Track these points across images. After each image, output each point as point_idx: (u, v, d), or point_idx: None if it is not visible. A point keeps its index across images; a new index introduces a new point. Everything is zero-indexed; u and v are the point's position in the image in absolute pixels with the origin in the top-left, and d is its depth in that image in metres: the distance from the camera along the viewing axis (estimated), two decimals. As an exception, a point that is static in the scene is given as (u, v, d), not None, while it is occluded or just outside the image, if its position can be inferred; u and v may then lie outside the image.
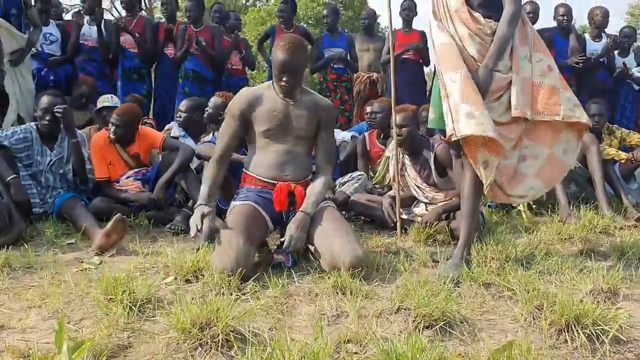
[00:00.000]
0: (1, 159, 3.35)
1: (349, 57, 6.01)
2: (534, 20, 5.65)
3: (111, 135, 3.75)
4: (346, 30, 12.50)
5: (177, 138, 4.26)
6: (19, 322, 1.95)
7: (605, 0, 8.02)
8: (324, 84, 6.09)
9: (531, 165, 2.61)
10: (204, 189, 2.77)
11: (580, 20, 10.66)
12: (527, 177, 2.60)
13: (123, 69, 5.61)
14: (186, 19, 5.84)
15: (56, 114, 3.47)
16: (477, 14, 2.51)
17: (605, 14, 5.62)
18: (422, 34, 5.79)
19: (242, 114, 2.80)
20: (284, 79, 2.74)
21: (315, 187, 2.81)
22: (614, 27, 5.88)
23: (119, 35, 5.52)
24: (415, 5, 5.95)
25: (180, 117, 4.43)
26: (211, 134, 4.04)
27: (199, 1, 5.74)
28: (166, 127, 4.60)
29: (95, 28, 5.41)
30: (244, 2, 24.45)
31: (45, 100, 3.58)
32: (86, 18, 5.58)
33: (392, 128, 3.52)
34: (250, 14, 19.33)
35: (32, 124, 3.69)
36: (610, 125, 4.62)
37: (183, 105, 4.45)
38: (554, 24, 5.76)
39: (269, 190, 2.77)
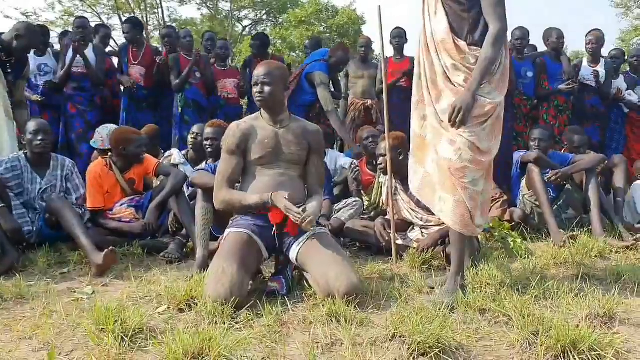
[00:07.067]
0: None
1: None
2: (524, 45, 5.71)
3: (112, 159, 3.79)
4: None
5: (177, 166, 4.27)
6: (8, 354, 1.92)
7: (595, 25, 8.20)
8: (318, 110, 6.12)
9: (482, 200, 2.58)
10: (248, 195, 2.75)
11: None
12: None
13: (131, 99, 5.48)
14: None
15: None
16: (462, 43, 2.46)
17: (599, 39, 5.70)
18: (413, 60, 5.82)
19: (239, 147, 2.82)
20: (257, 89, 2.80)
21: (312, 201, 2.82)
22: (605, 53, 5.95)
23: (104, 61, 5.42)
24: (405, 33, 6.04)
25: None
26: (205, 162, 4.06)
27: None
28: (166, 154, 4.60)
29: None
30: (240, 31, 24.83)
31: (33, 123, 3.61)
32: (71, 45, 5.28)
33: (383, 155, 3.55)
34: (246, 42, 19.57)
35: (21, 152, 3.69)
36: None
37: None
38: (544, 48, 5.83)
39: (264, 215, 2.75)
